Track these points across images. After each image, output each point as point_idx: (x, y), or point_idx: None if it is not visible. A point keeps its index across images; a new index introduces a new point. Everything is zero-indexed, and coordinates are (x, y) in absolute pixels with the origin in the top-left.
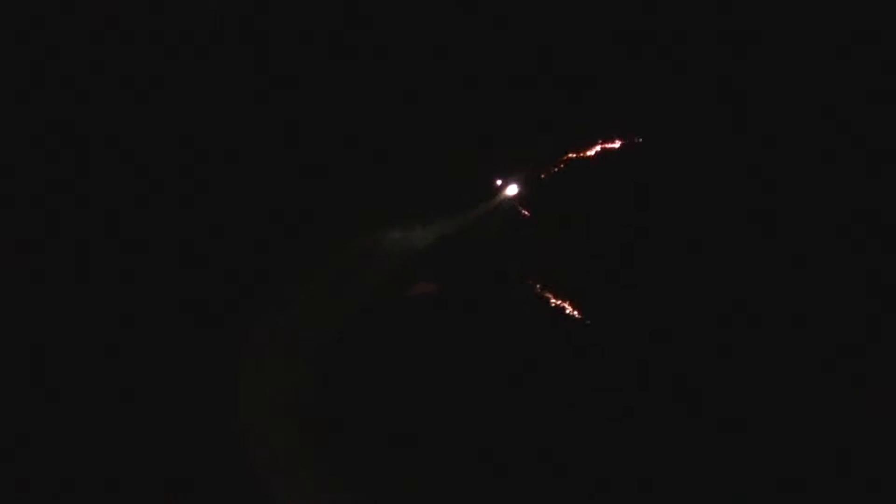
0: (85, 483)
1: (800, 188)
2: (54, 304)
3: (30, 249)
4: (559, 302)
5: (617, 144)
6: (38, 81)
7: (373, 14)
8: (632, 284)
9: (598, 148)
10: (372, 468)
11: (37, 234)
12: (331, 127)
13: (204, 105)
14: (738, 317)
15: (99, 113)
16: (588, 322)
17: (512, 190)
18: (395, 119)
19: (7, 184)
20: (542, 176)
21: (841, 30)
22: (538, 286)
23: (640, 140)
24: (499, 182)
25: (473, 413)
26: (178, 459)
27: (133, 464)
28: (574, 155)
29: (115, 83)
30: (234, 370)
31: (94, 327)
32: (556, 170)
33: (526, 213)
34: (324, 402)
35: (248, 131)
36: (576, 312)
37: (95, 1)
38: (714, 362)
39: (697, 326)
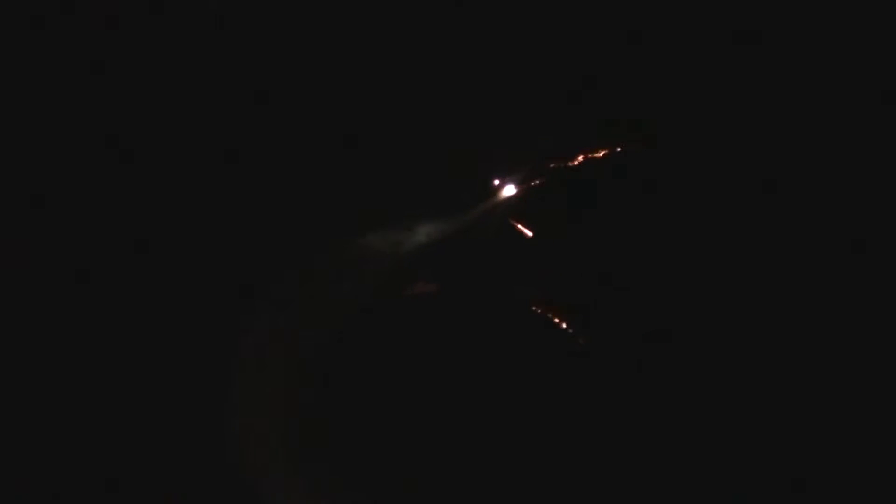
0: (84, 483)
1: (797, 192)
2: (51, 303)
3: (28, 249)
4: (558, 305)
5: (618, 148)
6: (37, 80)
7: (372, 13)
8: (629, 288)
9: (601, 152)
10: (372, 468)
11: (36, 233)
12: (330, 127)
13: (204, 105)
14: (735, 319)
15: (97, 112)
16: (587, 325)
17: (510, 190)
18: (394, 119)
19: (6, 183)
20: (541, 179)
21: (841, 29)
22: (537, 288)
23: (641, 144)
24: (497, 182)
25: (474, 413)
26: (178, 460)
27: (132, 464)
28: (574, 158)
29: (114, 82)
30: (233, 370)
31: (92, 327)
32: (553, 173)
33: (525, 230)
34: (324, 402)
35: (248, 131)
36: (573, 315)
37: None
38: (708, 365)
39: (694, 330)
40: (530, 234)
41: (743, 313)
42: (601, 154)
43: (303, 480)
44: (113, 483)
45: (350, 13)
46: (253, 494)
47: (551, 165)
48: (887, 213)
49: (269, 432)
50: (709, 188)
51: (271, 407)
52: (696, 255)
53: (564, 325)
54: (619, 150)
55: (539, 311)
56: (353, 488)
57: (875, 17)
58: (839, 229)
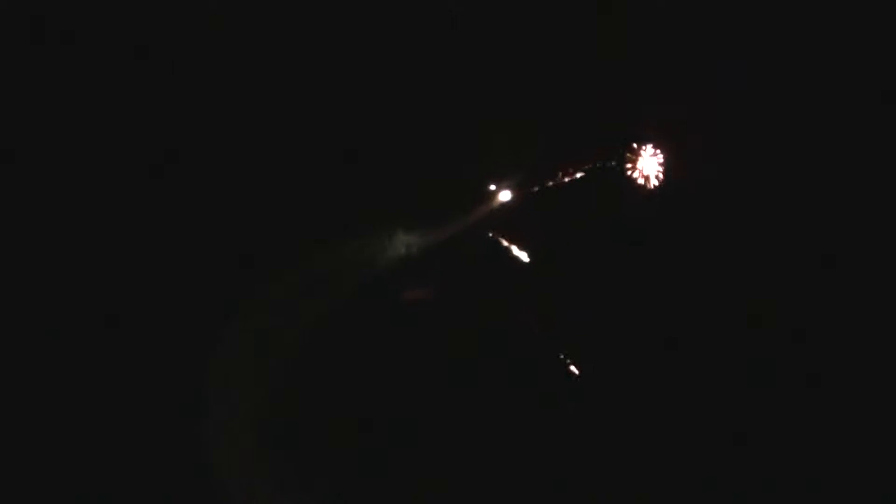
0: (58, 483)
1: (796, 192)
2: (35, 301)
3: (16, 247)
4: (541, 312)
5: (617, 154)
6: (35, 78)
7: (371, 16)
8: (619, 296)
9: (598, 157)
10: (357, 469)
11: (24, 232)
12: (328, 130)
13: (199, 105)
14: (734, 328)
15: (94, 111)
16: (571, 334)
17: (499, 199)
18: (393, 122)
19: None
20: (532, 188)
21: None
22: (522, 297)
23: (640, 150)
24: (486, 190)
25: (445, 420)
26: (158, 460)
27: (103, 464)
28: (572, 164)
29: (111, 81)
30: (217, 371)
31: (76, 327)
32: (550, 181)
33: (512, 240)
34: (307, 403)
35: (247, 131)
36: (556, 324)
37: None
38: (700, 368)
39: (689, 337)
40: (515, 245)
41: (741, 323)
42: (590, 165)
43: (288, 481)
44: (90, 483)
45: (347, 14)
46: (241, 494)
47: (541, 175)
48: (887, 212)
49: (253, 433)
50: (708, 193)
51: (255, 408)
52: (688, 262)
53: (547, 333)
54: (604, 161)
55: (522, 318)
56: (337, 489)
57: (875, 17)
58: (838, 229)
